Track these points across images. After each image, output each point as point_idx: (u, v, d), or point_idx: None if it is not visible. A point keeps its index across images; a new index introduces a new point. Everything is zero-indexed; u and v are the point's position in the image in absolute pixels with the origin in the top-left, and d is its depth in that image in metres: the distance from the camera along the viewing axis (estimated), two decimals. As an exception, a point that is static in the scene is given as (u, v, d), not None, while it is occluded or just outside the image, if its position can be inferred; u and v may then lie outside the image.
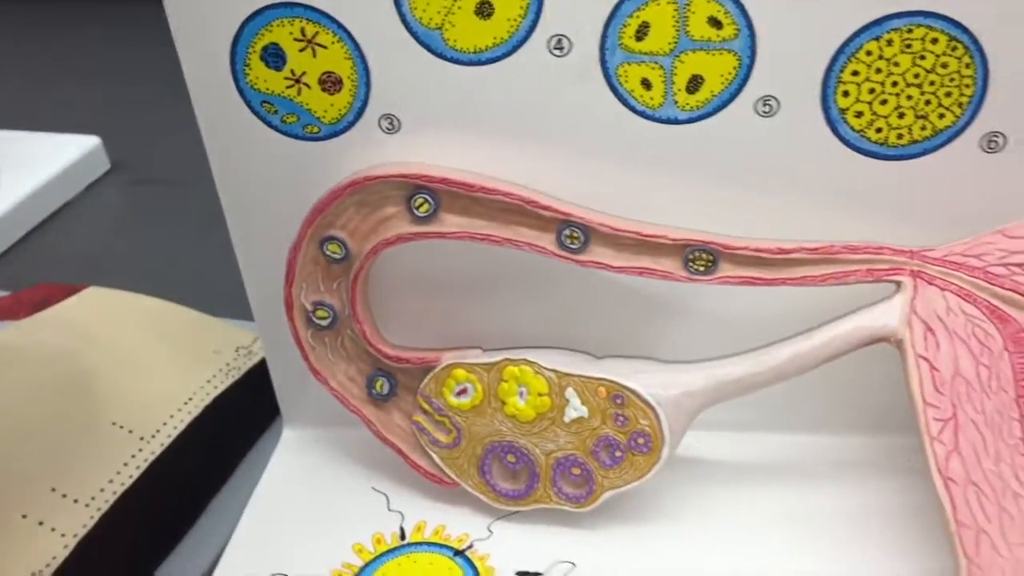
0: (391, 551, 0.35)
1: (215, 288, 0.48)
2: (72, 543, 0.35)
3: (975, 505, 0.28)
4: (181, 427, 0.40)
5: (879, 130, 0.30)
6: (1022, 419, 0.28)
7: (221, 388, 0.42)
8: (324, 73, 0.32)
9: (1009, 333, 0.29)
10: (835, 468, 0.36)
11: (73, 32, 0.95)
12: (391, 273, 0.36)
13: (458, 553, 0.34)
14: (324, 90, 0.32)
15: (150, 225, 0.67)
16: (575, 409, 0.33)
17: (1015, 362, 0.29)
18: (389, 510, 0.36)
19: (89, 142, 0.70)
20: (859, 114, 0.30)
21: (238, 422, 0.42)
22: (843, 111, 0.30)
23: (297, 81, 0.32)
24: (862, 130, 0.30)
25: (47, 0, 1.00)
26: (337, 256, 0.33)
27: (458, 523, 0.36)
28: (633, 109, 0.31)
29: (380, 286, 0.36)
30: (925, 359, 0.29)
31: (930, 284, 0.30)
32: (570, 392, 0.33)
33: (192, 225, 0.63)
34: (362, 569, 0.34)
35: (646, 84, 0.31)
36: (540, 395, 0.33)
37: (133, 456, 0.38)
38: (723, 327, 0.34)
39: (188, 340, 0.45)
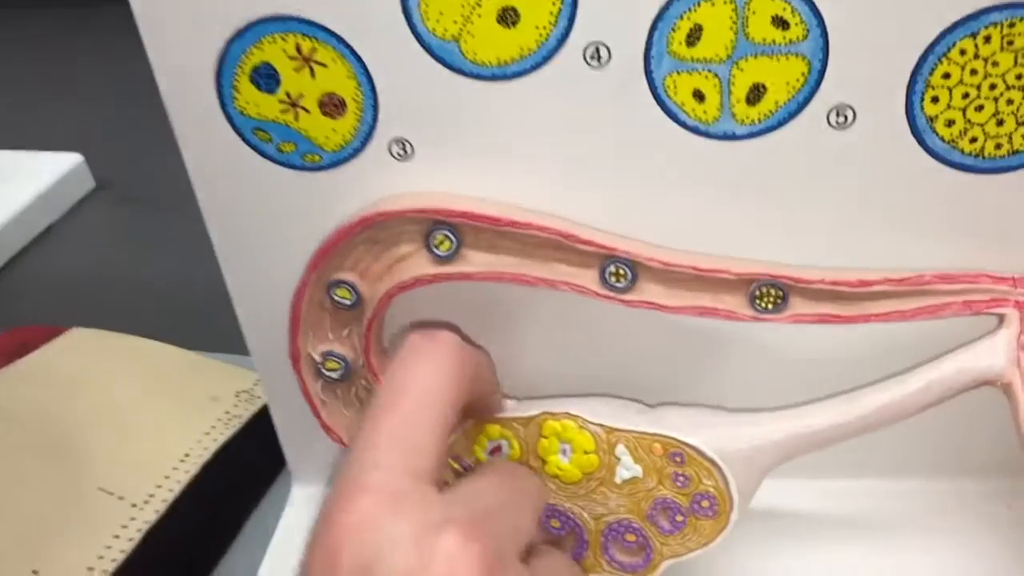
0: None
1: (211, 318, 0.43)
2: (60, 635, 0.31)
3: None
4: (178, 489, 0.36)
5: (974, 140, 0.26)
6: None
7: (221, 440, 0.38)
8: (325, 95, 0.28)
9: None
10: (926, 517, 0.32)
11: (53, 44, 0.90)
12: (408, 310, 0.31)
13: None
14: (325, 114, 0.28)
15: (138, 248, 0.62)
16: (627, 469, 0.29)
17: None
18: None
19: (72, 160, 0.66)
20: (950, 122, 0.26)
21: (241, 477, 0.38)
22: (931, 119, 0.26)
23: (294, 105, 0.28)
24: (954, 140, 0.26)
25: (26, 11, 0.95)
26: (347, 302, 0.29)
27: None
28: (684, 125, 0.27)
29: (395, 325, 0.32)
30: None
31: (1037, 316, 0.26)
32: (621, 449, 0.29)
33: (184, 247, 0.59)
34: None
35: (699, 96, 0.26)
36: (586, 453, 0.29)
37: (124, 526, 0.34)
38: (798, 370, 0.29)
39: (183, 386, 0.40)
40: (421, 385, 0.24)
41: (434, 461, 0.23)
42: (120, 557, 0.33)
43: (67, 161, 0.66)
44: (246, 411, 0.40)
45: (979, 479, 0.32)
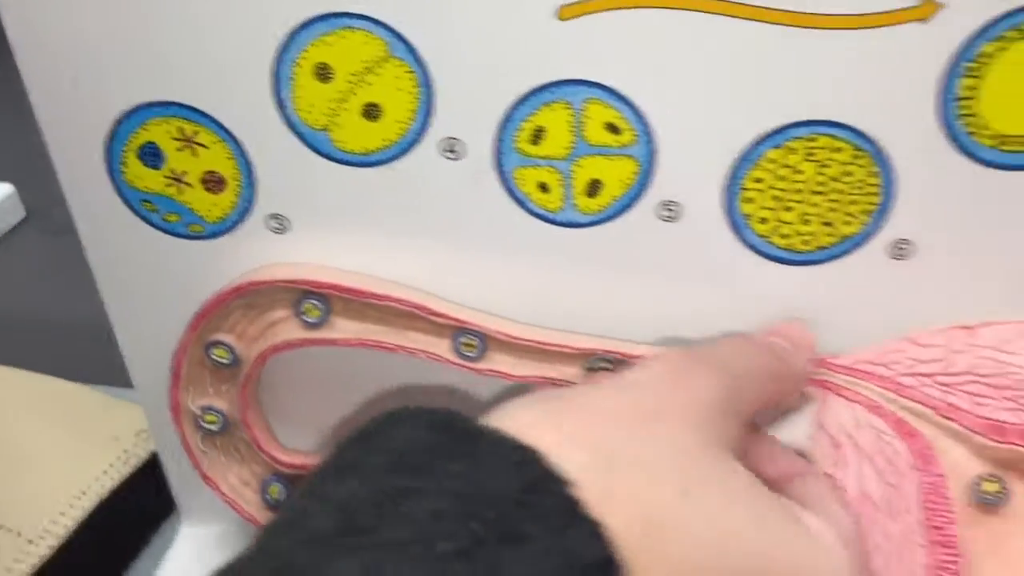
0: (287, 668, 0.33)
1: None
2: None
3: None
4: (72, 526, 0.38)
5: (784, 235, 0.29)
6: (928, 545, 0.27)
7: (118, 479, 0.40)
8: (206, 172, 0.30)
9: (916, 450, 0.28)
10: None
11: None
12: (287, 371, 0.34)
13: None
14: (207, 189, 0.30)
15: (70, 280, 0.64)
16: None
17: (920, 482, 0.28)
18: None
19: (2, 190, 0.68)
20: (764, 220, 0.29)
21: (135, 514, 0.40)
22: (747, 217, 0.29)
23: (178, 180, 0.30)
24: (767, 235, 0.29)
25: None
26: (224, 361, 0.32)
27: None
28: (531, 212, 0.30)
29: (276, 384, 0.34)
30: (830, 477, 0.28)
31: (838, 395, 0.29)
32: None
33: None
34: None
35: (543, 188, 0.29)
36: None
37: (18, 560, 0.36)
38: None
39: (86, 424, 0.42)
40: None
41: None
42: (10, 591, 0.35)
43: (-3, 191, 0.67)
44: (144, 451, 0.42)
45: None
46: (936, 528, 0.27)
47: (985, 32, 0.25)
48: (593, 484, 0.20)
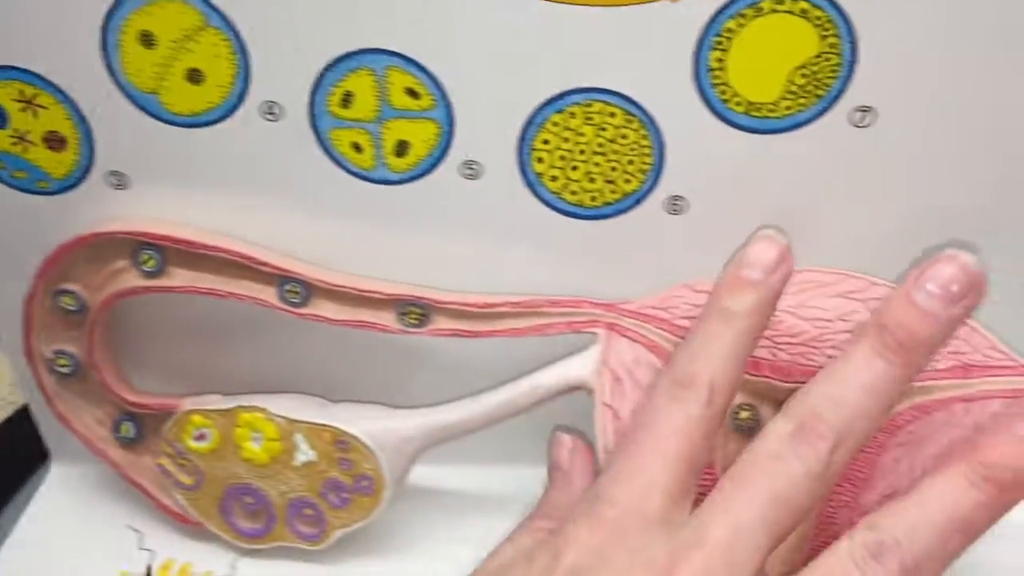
0: (135, 590, 0.36)
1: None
2: None
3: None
4: (-54, 468, 0.40)
5: (574, 192, 0.32)
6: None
7: (-7, 425, 0.43)
8: (47, 132, 0.33)
9: (686, 383, 0.31)
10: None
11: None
12: (139, 320, 0.36)
13: (199, 591, 0.36)
14: (50, 148, 0.33)
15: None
16: (303, 453, 0.34)
17: (688, 411, 0.31)
18: (140, 548, 0.38)
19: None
20: (554, 178, 0.32)
21: (10, 460, 0.43)
22: (539, 175, 0.32)
23: (22, 139, 0.33)
24: (558, 192, 0.32)
25: None
26: (72, 307, 0.34)
27: (205, 561, 0.37)
28: (348, 170, 0.33)
29: (129, 333, 0.37)
30: (610, 407, 0.32)
31: (623, 336, 0.33)
32: (299, 438, 0.34)
33: None
34: (104, 609, 0.35)
35: (357, 148, 0.32)
36: (271, 440, 0.34)
37: None
38: (447, 375, 0.35)
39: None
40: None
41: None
42: None
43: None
44: (19, 399, 0.44)
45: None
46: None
47: (726, 9, 0.28)
48: None
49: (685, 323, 0.32)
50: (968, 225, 0.32)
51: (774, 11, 0.28)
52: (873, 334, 0.25)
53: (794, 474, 0.24)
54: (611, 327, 0.33)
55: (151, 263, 0.33)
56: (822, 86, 0.30)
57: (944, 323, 0.25)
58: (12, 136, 0.33)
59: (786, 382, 0.30)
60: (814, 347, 0.31)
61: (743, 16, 0.28)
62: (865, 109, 0.30)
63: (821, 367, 0.28)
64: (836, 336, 0.31)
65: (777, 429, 0.25)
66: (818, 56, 0.29)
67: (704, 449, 0.26)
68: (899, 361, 0.25)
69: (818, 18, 0.28)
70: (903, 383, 0.25)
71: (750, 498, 0.24)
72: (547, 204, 0.33)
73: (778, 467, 0.25)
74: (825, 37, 0.29)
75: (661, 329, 0.32)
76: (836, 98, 0.30)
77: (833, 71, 0.29)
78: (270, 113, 0.32)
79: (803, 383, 0.27)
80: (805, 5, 0.28)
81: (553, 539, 0.26)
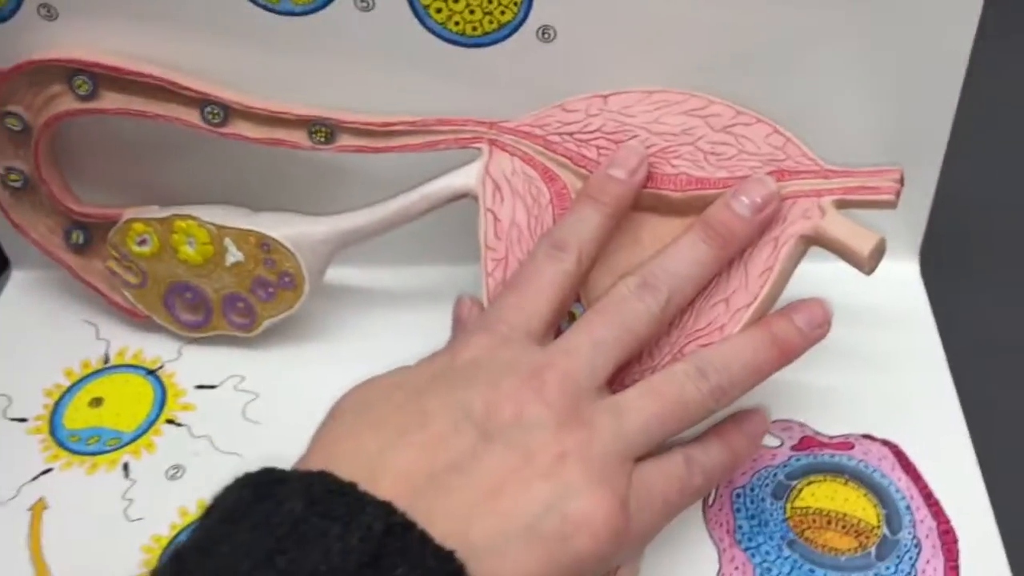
0: (96, 372, 0.42)
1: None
2: None
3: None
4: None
5: (457, 23, 0.37)
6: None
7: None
8: (-22, -32, 0.36)
9: (555, 190, 0.37)
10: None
11: None
12: (81, 140, 0.41)
13: (150, 372, 0.42)
14: (-17, -17, 0.36)
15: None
16: (233, 255, 0.40)
17: (555, 213, 0.37)
18: (97, 339, 0.44)
19: None
20: (439, 10, 0.36)
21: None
22: (426, 7, 0.36)
23: (-45, -26, 0.36)
24: (444, 23, 0.37)
25: None
26: (16, 128, 0.39)
27: (154, 348, 0.43)
28: (255, 3, 0.36)
29: (72, 151, 0.41)
30: (491, 211, 0.37)
31: (502, 151, 0.38)
32: (228, 241, 0.40)
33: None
34: (70, 388, 0.41)
35: (263, -18, 0.36)
36: (204, 244, 0.40)
37: None
38: (354, 188, 0.40)
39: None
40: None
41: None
42: None
43: None
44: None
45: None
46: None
47: None
48: None
49: (556, 139, 0.37)
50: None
51: None
52: (700, 227, 0.33)
53: (639, 311, 0.32)
54: (492, 143, 0.38)
55: (84, 87, 0.37)
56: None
57: (752, 224, 0.33)
58: (-54, -29, 0.36)
59: (644, 187, 0.36)
60: (662, 158, 0.36)
61: None
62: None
63: (666, 175, 0.34)
64: (680, 148, 0.36)
65: (628, 283, 0.32)
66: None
67: (571, 297, 0.34)
68: (717, 245, 0.33)
69: None
70: (718, 263, 0.33)
71: (606, 323, 0.32)
72: (434, 33, 0.37)
73: (627, 306, 0.32)
74: None
75: (535, 144, 0.37)
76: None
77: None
78: (183, -51, 0.35)
79: (650, 187, 0.34)
80: None
81: (451, 345, 0.33)
